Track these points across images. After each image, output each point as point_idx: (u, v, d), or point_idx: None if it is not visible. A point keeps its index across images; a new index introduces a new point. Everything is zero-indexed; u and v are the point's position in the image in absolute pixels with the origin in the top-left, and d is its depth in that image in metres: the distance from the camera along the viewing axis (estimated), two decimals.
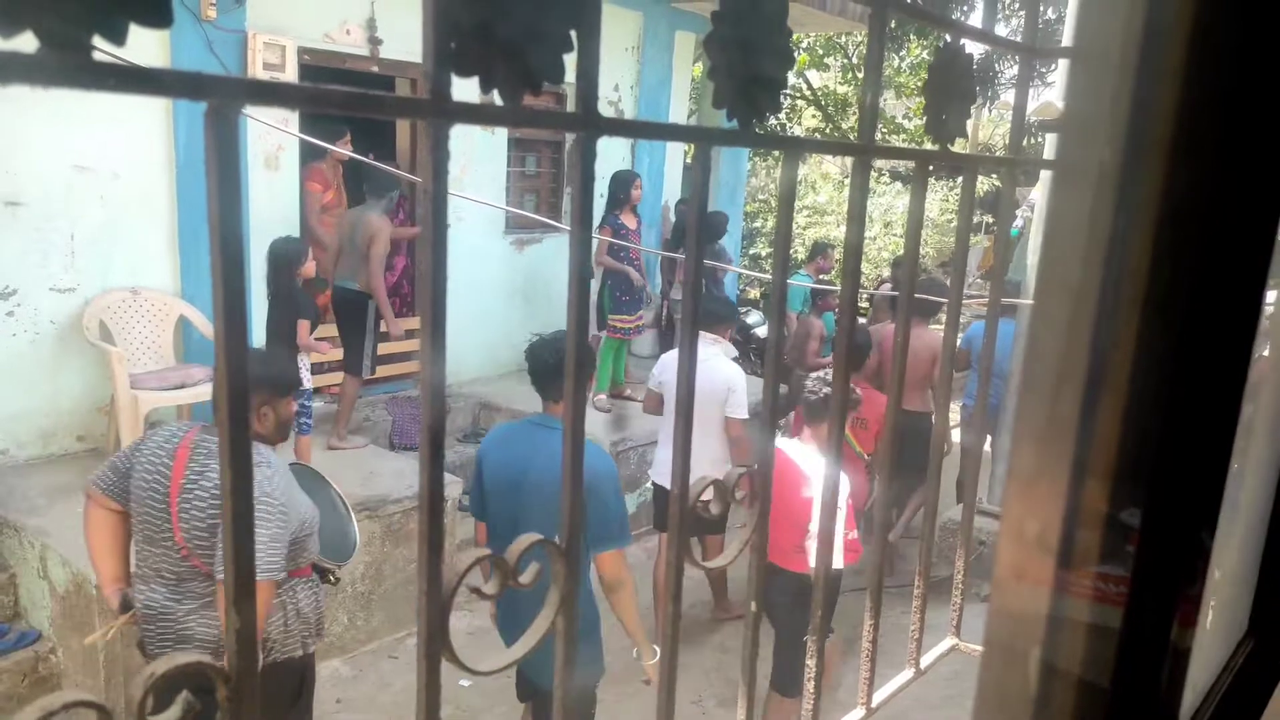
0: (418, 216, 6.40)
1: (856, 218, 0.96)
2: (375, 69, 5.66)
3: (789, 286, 5.84)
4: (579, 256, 0.65)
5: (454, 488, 4.75)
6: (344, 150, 4.86)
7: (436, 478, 0.59)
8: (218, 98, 0.47)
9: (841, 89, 15.90)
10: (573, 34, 0.62)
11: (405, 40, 5.60)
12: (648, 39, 7.55)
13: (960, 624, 1.35)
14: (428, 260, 0.58)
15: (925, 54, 14.32)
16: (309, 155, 5.54)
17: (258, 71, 4.94)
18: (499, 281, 6.71)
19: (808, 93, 15.51)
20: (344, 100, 0.54)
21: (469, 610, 4.26)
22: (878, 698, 1.16)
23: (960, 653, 1.32)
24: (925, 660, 1.26)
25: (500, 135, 6.55)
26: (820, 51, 14.97)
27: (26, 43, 0.39)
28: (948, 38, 1.05)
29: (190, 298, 5.07)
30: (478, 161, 6.35)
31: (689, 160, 9.69)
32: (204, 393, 4.78)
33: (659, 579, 4.49)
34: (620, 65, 7.35)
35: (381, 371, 6.31)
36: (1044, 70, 8.88)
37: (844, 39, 14.60)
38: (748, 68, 0.75)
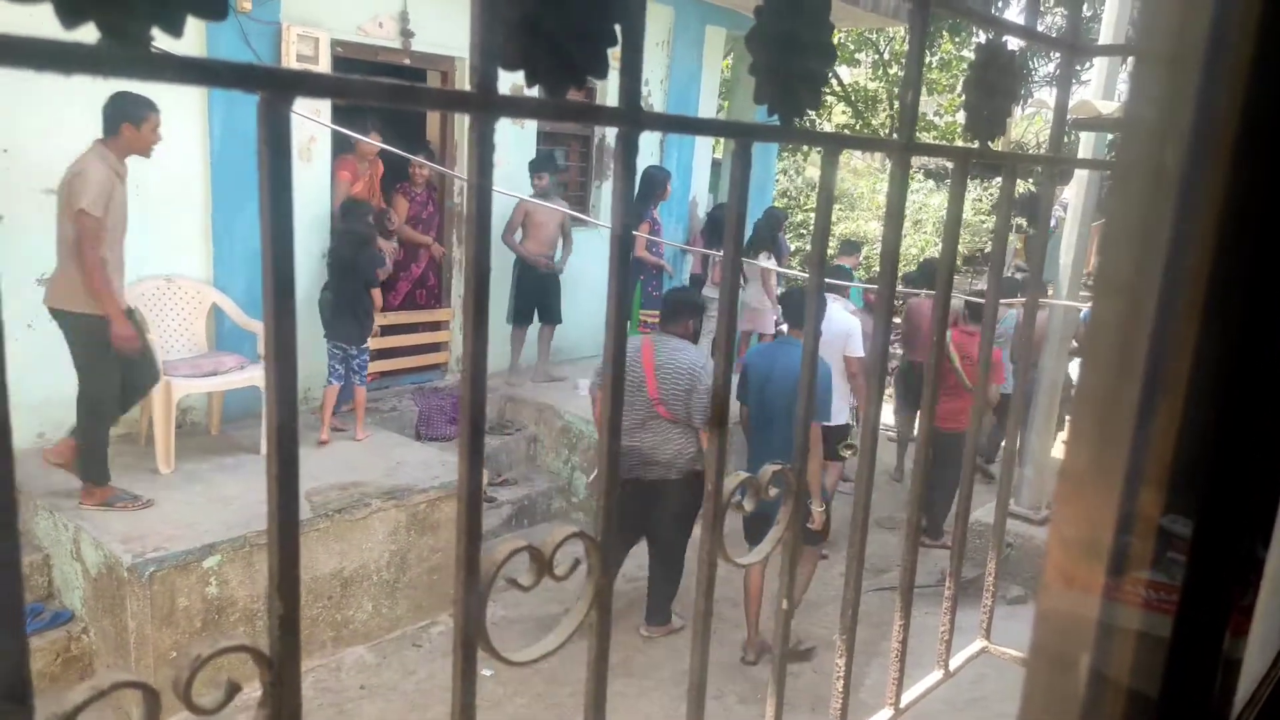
0: (447, 206, 6.43)
1: (895, 215, 0.95)
2: (407, 61, 5.69)
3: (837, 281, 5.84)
4: (620, 249, 0.65)
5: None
6: (375, 142, 4.90)
7: (476, 466, 0.60)
8: (270, 89, 0.47)
9: (872, 85, 15.77)
10: (617, 29, 0.62)
11: (437, 33, 5.62)
12: (678, 34, 7.52)
13: (990, 626, 1.34)
14: (471, 250, 0.58)
15: (957, 51, 14.17)
16: (340, 147, 5.59)
17: (291, 63, 4.98)
18: None
19: (838, 88, 15.40)
20: (390, 93, 0.54)
21: (492, 600, 4.28)
22: (906, 698, 1.15)
23: (990, 655, 1.31)
24: (954, 662, 1.25)
25: (529, 129, 6.55)
26: (851, 47, 14.85)
27: (88, 34, 0.39)
28: (988, 34, 1.04)
29: (223, 286, 5.13)
30: (506, 155, 6.36)
31: (716, 156, 9.64)
32: (235, 380, 4.83)
33: (824, 486, 5.76)
34: (650, 60, 7.33)
35: (409, 363, 6.35)
36: (1080, 68, 8.75)
37: (875, 34, 14.48)
38: (790, 63, 0.74)
